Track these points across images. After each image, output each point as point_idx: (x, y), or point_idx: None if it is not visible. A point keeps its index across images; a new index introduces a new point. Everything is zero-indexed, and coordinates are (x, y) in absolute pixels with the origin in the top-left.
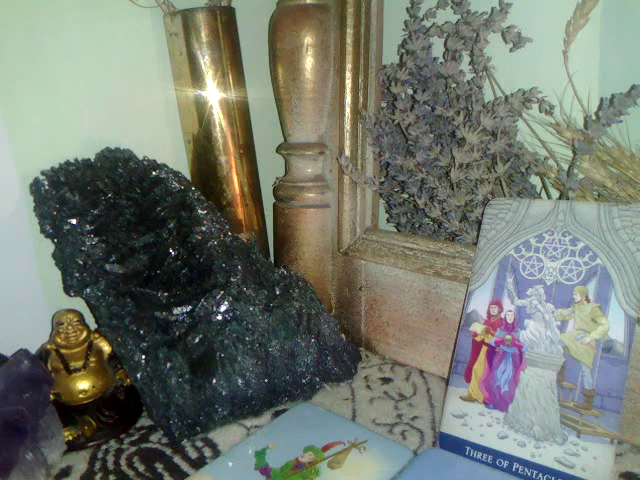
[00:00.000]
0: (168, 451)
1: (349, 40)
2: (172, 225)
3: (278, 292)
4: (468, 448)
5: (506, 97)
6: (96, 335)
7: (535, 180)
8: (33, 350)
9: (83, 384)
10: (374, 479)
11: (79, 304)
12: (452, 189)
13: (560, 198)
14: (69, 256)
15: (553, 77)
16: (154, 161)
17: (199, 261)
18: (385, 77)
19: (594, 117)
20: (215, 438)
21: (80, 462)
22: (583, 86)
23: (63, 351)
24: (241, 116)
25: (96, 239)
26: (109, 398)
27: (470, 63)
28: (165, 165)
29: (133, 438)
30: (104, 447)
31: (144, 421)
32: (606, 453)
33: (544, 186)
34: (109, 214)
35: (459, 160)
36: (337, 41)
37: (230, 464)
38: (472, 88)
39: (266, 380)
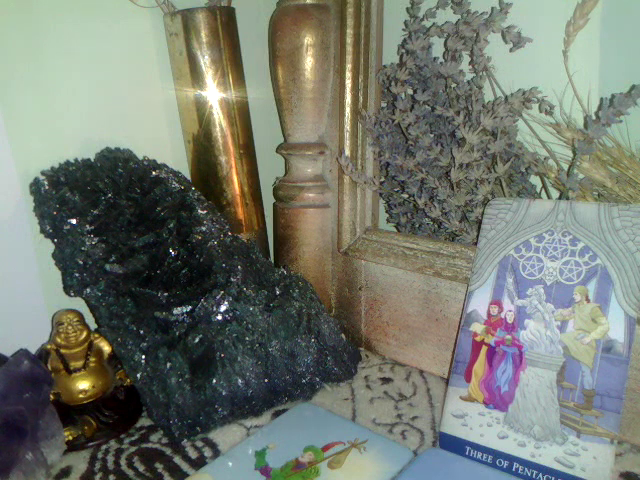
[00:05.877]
0: (168, 451)
1: (349, 40)
2: (172, 225)
3: (278, 292)
4: (468, 448)
5: (506, 97)
6: (96, 335)
7: (535, 180)
8: (33, 350)
9: (83, 384)
10: (374, 479)
11: (79, 304)
12: (452, 189)
13: (560, 198)
14: (69, 256)
15: (553, 77)
16: (154, 161)
17: (199, 261)
18: (385, 77)
19: (594, 117)
20: (215, 438)
21: (80, 462)
22: (583, 86)
23: (63, 351)
24: (241, 116)
25: (96, 239)
26: (109, 398)
27: (470, 63)
28: (165, 165)
29: (133, 438)
30: (104, 447)
31: (144, 421)
32: (606, 453)
33: (544, 186)
34: (109, 214)
35: (459, 160)
36: (337, 41)
37: (230, 464)
38: (472, 88)
39: (266, 380)
